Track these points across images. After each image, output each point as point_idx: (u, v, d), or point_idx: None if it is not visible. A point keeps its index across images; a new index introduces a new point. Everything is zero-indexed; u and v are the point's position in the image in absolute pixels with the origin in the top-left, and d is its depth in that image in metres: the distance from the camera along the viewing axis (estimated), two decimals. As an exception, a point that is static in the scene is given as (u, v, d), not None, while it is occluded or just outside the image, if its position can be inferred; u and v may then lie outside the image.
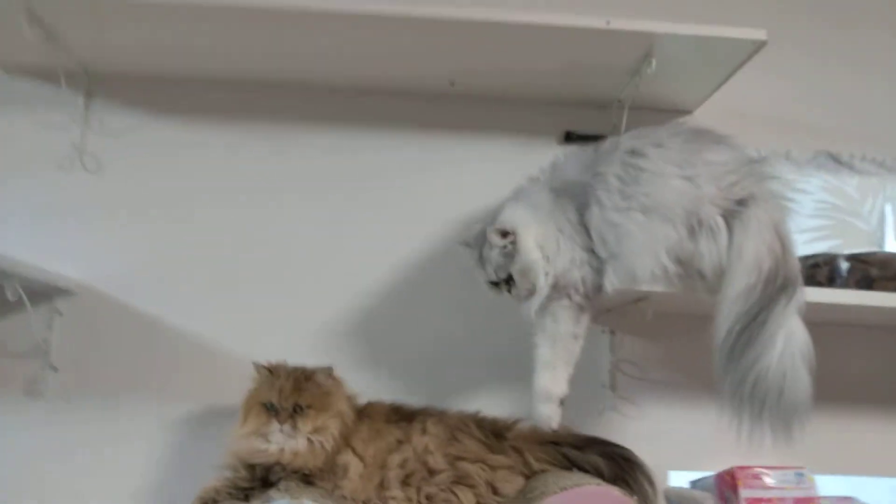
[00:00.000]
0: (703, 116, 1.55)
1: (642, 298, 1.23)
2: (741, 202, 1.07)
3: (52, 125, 1.48)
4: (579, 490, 1.06)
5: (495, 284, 1.19)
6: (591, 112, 1.54)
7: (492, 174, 1.49)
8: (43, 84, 1.48)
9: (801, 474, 1.27)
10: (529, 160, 1.47)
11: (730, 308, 1.01)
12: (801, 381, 0.98)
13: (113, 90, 1.50)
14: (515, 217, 1.16)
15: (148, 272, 1.45)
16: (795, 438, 0.98)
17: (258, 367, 1.21)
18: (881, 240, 1.56)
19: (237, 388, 1.32)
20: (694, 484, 1.37)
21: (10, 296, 1.23)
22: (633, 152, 1.13)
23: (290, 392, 1.14)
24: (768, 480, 1.26)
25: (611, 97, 1.51)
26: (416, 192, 1.52)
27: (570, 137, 1.53)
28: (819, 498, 1.25)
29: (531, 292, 1.15)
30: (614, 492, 1.07)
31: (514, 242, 1.14)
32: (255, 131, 1.51)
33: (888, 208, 1.58)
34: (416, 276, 1.48)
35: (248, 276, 1.46)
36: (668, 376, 1.47)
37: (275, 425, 1.12)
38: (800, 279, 1.04)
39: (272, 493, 1.05)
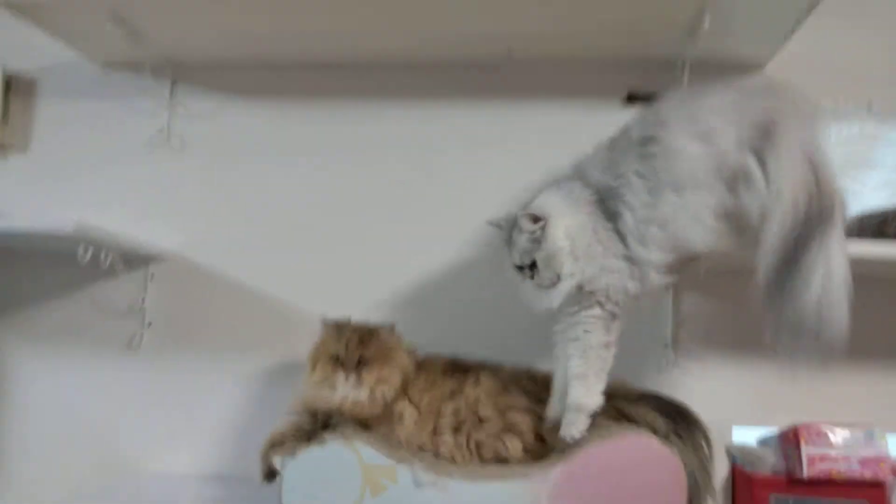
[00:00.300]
0: (775, 71, 1.49)
1: (693, 258, 1.21)
2: (765, 132, 1.00)
3: (142, 111, 1.63)
4: (619, 440, 1.07)
5: (520, 269, 1.14)
6: (655, 71, 1.51)
7: (554, 140, 1.49)
8: (133, 76, 1.63)
9: (871, 433, 1.23)
10: (592, 124, 1.47)
11: (769, 248, 0.99)
12: (837, 318, 0.95)
13: (195, 77, 1.63)
14: (549, 204, 1.11)
15: (229, 239, 1.58)
16: (830, 373, 0.96)
17: (326, 323, 1.28)
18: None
19: (308, 343, 1.42)
20: (759, 441, 1.35)
21: (104, 263, 1.38)
22: (644, 141, 1.07)
23: (356, 346, 1.21)
24: (834, 438, 1.22)
25: (674, 55, 1.46)
26: (479, 161, 1.55)
27: (632, 98, 1.51)
28: (890, 458, 1.20)
29: (553, 282, 1.09)
30: (654, 443, 1.07)
31: (543, 228, 1.08)
32: (328, 109, 1.60)
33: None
34: (479, 241, 1.52)
35: (321, 241, 1.56)
36: (730, 332, 1.44)
37: (341, 376, 1.18)
38: (837, 206, 0.98)
39: (327, 435, 1.12)
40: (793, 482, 1.21)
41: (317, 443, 1.11)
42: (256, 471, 1.15)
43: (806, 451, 1.21)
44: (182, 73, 1.63)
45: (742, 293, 1.42)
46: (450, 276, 1.52)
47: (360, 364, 1.19)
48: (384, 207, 1.56)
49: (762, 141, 1.00)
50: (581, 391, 1.09)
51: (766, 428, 1.35)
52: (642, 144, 1.08)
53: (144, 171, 1.62)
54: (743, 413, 1.41)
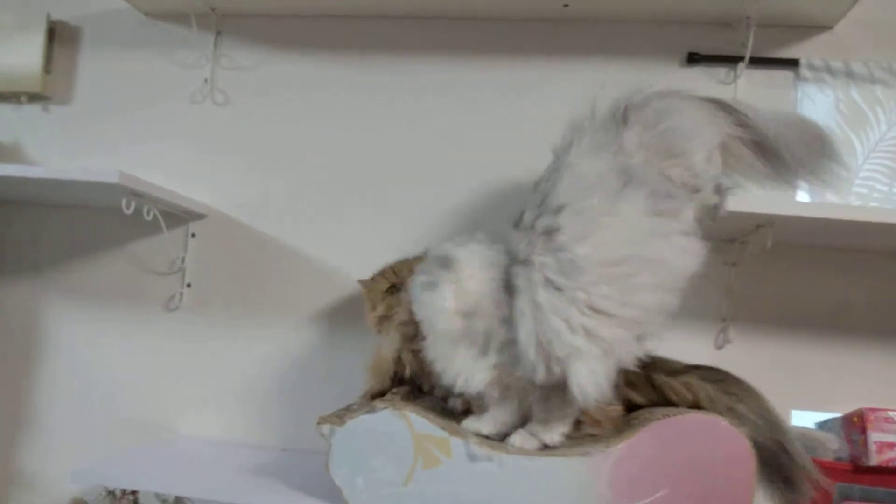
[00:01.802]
0: (844, 31, 1.41)
1: (764, 224, 1.15)
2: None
3: (186, 63, 1.58)
4: (684, 418, 1.02)
5: None
6: (717, 31, 1.43)
7: (610, 100, 1.43)
8: (177, 26, 1.58)
9: None
10: (652, 84, 1.44)
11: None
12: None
13: (240, 28, 1.57)
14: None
15: (272, 197, 1.54)
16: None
17: (363, 280, 1.28)
18: None
19: (352, 307, 1.39)
20: (820, 425, 1.29)
21: (146, 216, 1.34)
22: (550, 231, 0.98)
23: (404, 270, 1.22)
24: (902, 424, 1.16)
25: (738, 13, 1.39)
26: (530, 119, 1.48)
27: (693, 59, 1.44)
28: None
29: None
30: (722, 422, 1.02)
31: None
32: (371, 63, 1.54)
33: None
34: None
35: (366, 199, 1.51)
36: (789, 312, 1.38)
37: (403, 296, 1.17)
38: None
39: (377, 403, 1.09)
40: (859, 470, 1.15)
41: (364, 411, 1.08)
42: (299, 439, 1.13)
43: (873, 437, 1.15)
44: (227, 23, 1.58)
45: (803, 271, 1.38)
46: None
47: None
48: (433, 164, 1.50)
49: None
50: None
51: (826, 413, 1.29)
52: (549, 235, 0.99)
53: (186, 125, 1.57)
54: (801, 397, 1.35)
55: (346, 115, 1.53)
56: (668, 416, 1.02)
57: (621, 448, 1.01)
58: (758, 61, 1.41)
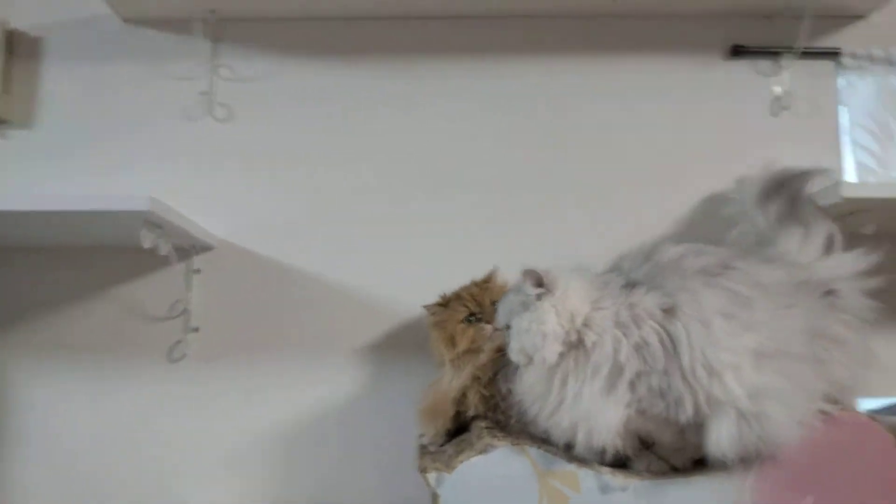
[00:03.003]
0: (878, 20, 1.40)
1: (856, 211, 1.08)
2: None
3: (177, 74, 1.37)
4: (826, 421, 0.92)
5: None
6: (762, 23, 1.39)
7: (657, 95, 1.37)
8: (167, 32, 1.38)
9: None
10: (696, 79, 1.39)
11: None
12: None
13: (242, 34, 1.39)
14: (564, 277, 0.92)
15: (285, 222, 1.34)
16: None
17: (431, 306, 1.14)
18: None
19: (384, 335, 1.21)
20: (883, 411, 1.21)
21: (161, 251, 1.12)
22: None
23: (481, 295, 1.10)
24: None
25: (784, 5, 1.35)
26: (576, 117, 1.38)
27: (738, 52, 1.38)
28: None
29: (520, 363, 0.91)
30: (864, 419, 0.93)
31: (539, 298, 0.89)
32: (394, 66, 1.39)
33: None
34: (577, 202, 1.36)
35: (392, 215, 1.34)
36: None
37: (487, 327, 1.06)
38: None
39: (488, 440, 0.92)
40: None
41: (474, 451, 0.90)
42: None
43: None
44: (227, 28, 1.38)
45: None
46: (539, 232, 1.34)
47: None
48: (471, 173, 1.36)
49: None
50: None
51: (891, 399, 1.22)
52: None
53: (181, 144, 1.36)
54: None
55: (365, 126, 1.37)
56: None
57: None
58: (801, 53, 1.37)
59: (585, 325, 0.86)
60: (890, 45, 1.39)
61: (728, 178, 1.31)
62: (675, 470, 0.91)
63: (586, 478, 0.89)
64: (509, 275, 1.11)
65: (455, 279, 1.15)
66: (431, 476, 0.89)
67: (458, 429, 1.08)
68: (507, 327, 0.93)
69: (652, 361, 0.84)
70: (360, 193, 1.35)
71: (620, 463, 0.92)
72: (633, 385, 0.85)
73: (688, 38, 1.39)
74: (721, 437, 0.83)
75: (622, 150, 1.36)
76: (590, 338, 0.86)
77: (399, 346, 1.29)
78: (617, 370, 0.85)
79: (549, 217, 1.34)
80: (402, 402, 1.26)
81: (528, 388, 0.89)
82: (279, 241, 1.33)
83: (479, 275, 1.15)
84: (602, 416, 0.85)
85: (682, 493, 0.89)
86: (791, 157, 1.33)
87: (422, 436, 1.09)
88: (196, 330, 1.30)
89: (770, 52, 1.38)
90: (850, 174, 1.36)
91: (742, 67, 1.39)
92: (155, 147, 1.36)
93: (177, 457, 1.28)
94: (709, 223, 1.32)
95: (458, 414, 1.05)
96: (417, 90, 1.38)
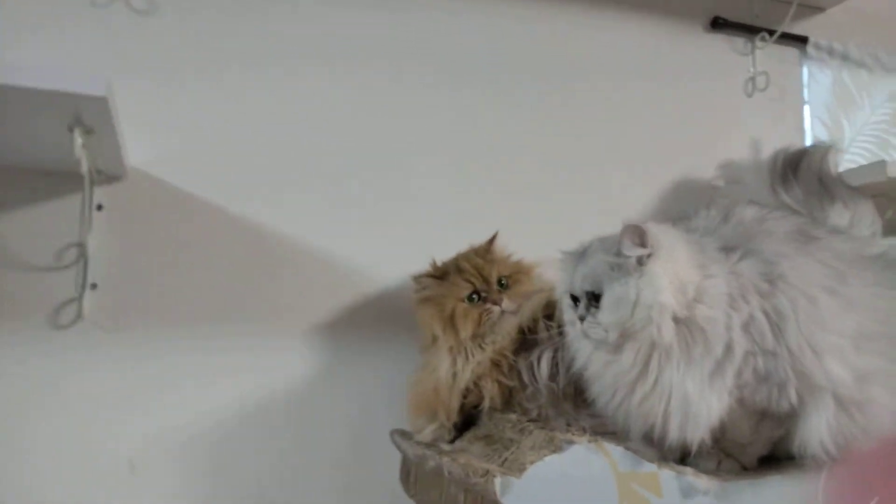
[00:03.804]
0: (838, 14, 1.43)
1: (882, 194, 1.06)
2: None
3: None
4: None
5: (573, 299, 0.78)
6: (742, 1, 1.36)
7: (632, 62, 1.28)
8: None
9: None
10: (673, 50, 1.32)
11: None
12: None
13: None
14: (668, 237, 0.76)
15: (222, 149, 1.04)
16: None
17: (422, 277, 0.95)
18: None
19: (345, 306, 1.01)
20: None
21: (83, 168, 0.79)
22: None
23: (487, 268, 0.93)
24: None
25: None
26: (556, 87, 1.24)
27: (717, 24, 1.33)
28: None
29: (605, 339, 0.74)
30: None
31: (646, 259, 0.72)
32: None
33: None
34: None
35: (362, 163, 1.10)
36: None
37: (494, 309, 0.90)
38: None
39: (560, 435, 0.75)
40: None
41: (550, 451, 0.73)
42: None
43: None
44: None
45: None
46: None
47: (502, 287, 0.93)
48: (437, 140, 1.15)
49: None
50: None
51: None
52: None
53: (85, 41, 0.99)
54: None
55: (330, 25, 1.10)
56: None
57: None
58: (774, 36, 1.35)
59: (697, 297, 0.72)
60: (848, 40, 1.42)
61: (703, 154, 1.27)
62: (744, 469, 0.81)
63: (668, 479, 0.76)
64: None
65: (437, 243, 0.97)
66: (496, 481, 0.70)
67: (465, 423, 0.91)
68: (594, 296, 0.74)
69: (760, 340, 0.73)
70: (325, 115, 1.08)
71: (680, 460, 0.80)
72: (740, 369, 0.73)
73: (666, 7, 1.31)
74: (822, 428, 0.74)
75: (602, 123, 1.25)
76: (702, 312, 0.72)
77: (365, 320, 1.07)
78: (728, 351, 0.72)
79: (517, 186, 1.18)
80: (364, 388, 1.05)
81: (620, 372, 0.73)
82: (213, 174, 1.02)
83: (456, 237, 0.98)
84: (704, 404, 0.72)
85: (757, 495, 0.79)
86: (764, 139, 1.32)
87: (413, 433, 0.90)
88: (94, 287, 0.96)
89: (746, 30, 1.34)
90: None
91: (720, 43, 1.35)
92: (53, 39, 0.98)
93: (64, 460, 0.93)
94: (683, 201, 1.26)
95: (462, 406, 0.89)
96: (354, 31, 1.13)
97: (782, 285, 0.74)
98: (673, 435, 0.73)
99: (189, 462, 0.97)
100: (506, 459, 0.75)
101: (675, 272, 0.72)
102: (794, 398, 0.73)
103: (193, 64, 1.03)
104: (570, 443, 0.73)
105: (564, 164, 1.21)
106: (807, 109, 1.39)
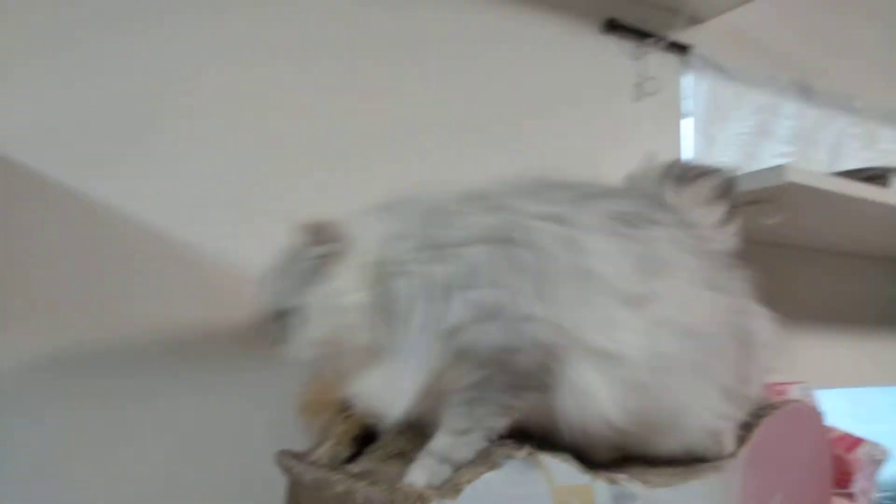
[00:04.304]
0: (714, 27, 1.48)
1: (768, 200, 1.11)
2: None
3: None
4: (784, 408, 0.92)
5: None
6: (634, 5, 1.38)
7: (525, 60, 1.25)
8: None
9: (806, 388, 1.30)
10: (567, 50, 1.31)
11: None
12: None
13: None
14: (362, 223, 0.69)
15: (88, 127, 0.87)
16: None
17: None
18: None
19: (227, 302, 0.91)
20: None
21: None
22: None
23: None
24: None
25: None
26: (440, 74, 1.17)
27: (613, 26, 1.34)
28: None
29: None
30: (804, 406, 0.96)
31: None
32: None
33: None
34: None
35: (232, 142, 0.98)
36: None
37: None
38: None
39: (498, 451, 0.69)
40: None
41: (485, 468, 0.67)
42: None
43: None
44: None
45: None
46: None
47: None
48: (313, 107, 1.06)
49: None
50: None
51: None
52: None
53: None
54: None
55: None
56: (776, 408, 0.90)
57: (742, 453, 0.85)
58: (661, 43, 1.39)
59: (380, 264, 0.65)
60: (723, 53, 1.49)
61: (590, 159, 1.27)
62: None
63: (601, 490, 0.73)
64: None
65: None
66: (434, 504, 0.63)
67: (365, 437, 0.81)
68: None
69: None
70: (188, 99, 0.94)
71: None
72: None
73: (561, 6, 1.30)
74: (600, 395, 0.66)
75: (491, 111, 1.21)
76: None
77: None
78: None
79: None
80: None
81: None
82: (67, 151, 0.86)
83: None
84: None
85: (681, 497, 0.78)
86: (647, 145, 1.35)
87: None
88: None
89: (637, 34, 1.37)
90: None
91: (612, 46, 1.36)
92: None
93: None
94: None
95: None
96: None
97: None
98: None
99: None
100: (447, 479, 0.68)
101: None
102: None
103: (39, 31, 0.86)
104: (509, 457, 0.68)
105: (442, 160, 1.14)
106: (686, 118, 1.44)
